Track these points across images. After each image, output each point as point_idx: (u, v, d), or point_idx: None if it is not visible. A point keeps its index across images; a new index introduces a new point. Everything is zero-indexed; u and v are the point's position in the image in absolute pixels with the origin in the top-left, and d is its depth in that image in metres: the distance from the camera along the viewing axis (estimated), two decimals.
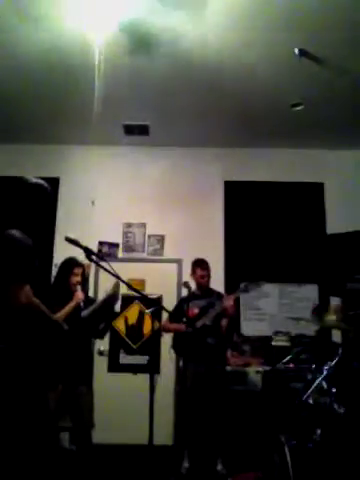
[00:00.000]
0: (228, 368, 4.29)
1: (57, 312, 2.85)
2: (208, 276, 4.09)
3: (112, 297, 3.12)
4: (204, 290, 4.08)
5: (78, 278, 3.19)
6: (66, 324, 2.46)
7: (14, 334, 1.85)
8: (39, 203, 2.10)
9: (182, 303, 4.09)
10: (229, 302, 3.87)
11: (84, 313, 3.09)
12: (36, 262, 1.95)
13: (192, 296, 4.04)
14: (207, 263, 4.11)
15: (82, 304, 3.10)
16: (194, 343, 3.83)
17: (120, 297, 3.45)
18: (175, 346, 4.00)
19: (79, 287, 3.15)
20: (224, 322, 3.94)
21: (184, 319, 3.90)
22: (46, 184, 2.17)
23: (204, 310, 3.95)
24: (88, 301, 3.27)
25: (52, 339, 2.08)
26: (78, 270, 3.21)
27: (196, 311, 3.96)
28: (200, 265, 4.09)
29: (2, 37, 3.45)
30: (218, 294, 4.15)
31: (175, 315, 3.99)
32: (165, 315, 4.08)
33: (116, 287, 3.07)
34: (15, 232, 1.93)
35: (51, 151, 5.30)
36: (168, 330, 4.15)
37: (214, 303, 3.96)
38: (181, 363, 4.20)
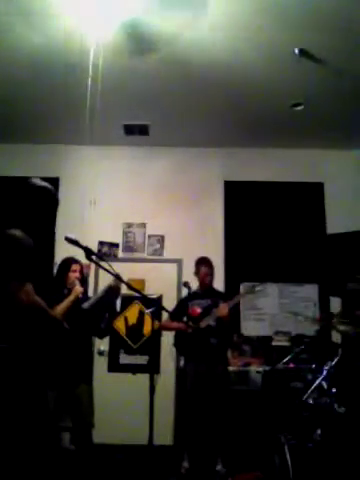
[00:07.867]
0: (229, 368, 4.27)
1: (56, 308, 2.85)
2: (211, 275, 4.06)
3: (113, 289, 3.11)
4: (206, 289, 4.05)
5: (76, 274, 3.22)
6: (67, 321, 2.45)
7: (16, 333, 1.85)
8: (44, 206, 2.10)
9: (184, 302, 4.08)
10: (224, 311, 3.81)
11: (85, 305, 3.08)
12: (37, 262, 1.96)
13: (194, 295, 4.03)
14: (211, 261, 4.09)
15: (81, 296, 3.11)
16: (197, 343, 3.82)
17: (120, 295, 3.44)
18: (177, 344, 3.99)
19: (78, 282, 3.16)
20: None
21: (186, 318, 3.88)
22: (51, 186, 2.16)
23: (207, 310, 3.91)
24: (87, 299, 3.27)
25: (54, 338, 2.07)
26: (76, 266, 3.24)
27: (199, 311, 3.93)
28: (204, 263, 4.06)
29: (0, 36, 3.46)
30: (221, 294, 4.12)
31: (177, 314, 3.95)
32: (165, 315, 4.07)
33: (116, 281, 3.06)
34: (16, 231, 1.93)
35: (51, 151, 5.30)
36: (168, 329, 4.13)
37: (218, 303, 3.93)
38: (182, 362, 4.19)
